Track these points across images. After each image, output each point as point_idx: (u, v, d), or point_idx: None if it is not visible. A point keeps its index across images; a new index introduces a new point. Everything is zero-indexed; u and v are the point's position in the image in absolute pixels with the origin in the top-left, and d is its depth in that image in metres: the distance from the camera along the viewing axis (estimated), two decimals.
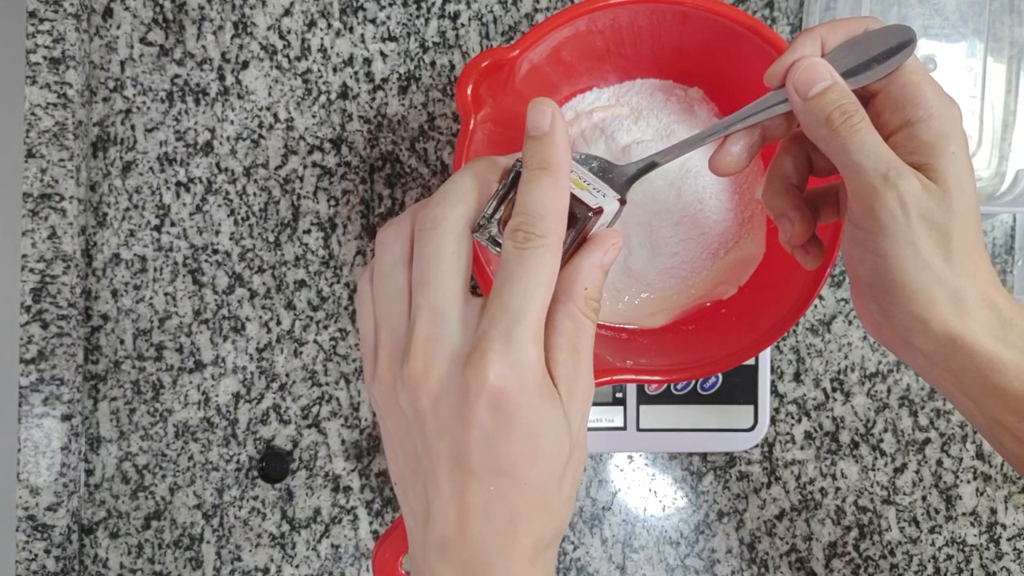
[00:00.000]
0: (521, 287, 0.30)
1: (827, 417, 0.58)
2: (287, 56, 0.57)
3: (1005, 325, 0.34)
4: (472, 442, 0.30)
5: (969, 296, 0.34)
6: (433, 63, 0.58)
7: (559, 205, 0.31)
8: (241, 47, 0.57)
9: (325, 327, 0.57)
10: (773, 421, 0.58)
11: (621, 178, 0.39)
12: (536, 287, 0.30)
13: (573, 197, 0.32)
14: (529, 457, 0.30)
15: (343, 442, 0.57)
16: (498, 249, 0.31)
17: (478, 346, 0.29)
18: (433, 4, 0.57)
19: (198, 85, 0.57)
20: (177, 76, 0.57)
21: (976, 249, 0.34)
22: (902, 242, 0.33)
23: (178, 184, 0.57)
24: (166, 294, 0.57)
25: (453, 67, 0.58)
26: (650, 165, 0.39)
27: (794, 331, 0.58)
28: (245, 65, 0.57)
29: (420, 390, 0.30)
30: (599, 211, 0.32)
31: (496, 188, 0.32)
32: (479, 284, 0.47)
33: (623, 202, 0.36)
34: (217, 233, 0.57)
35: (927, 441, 0.59)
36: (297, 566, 0.57)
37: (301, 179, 0.57)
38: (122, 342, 0.57)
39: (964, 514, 0.59)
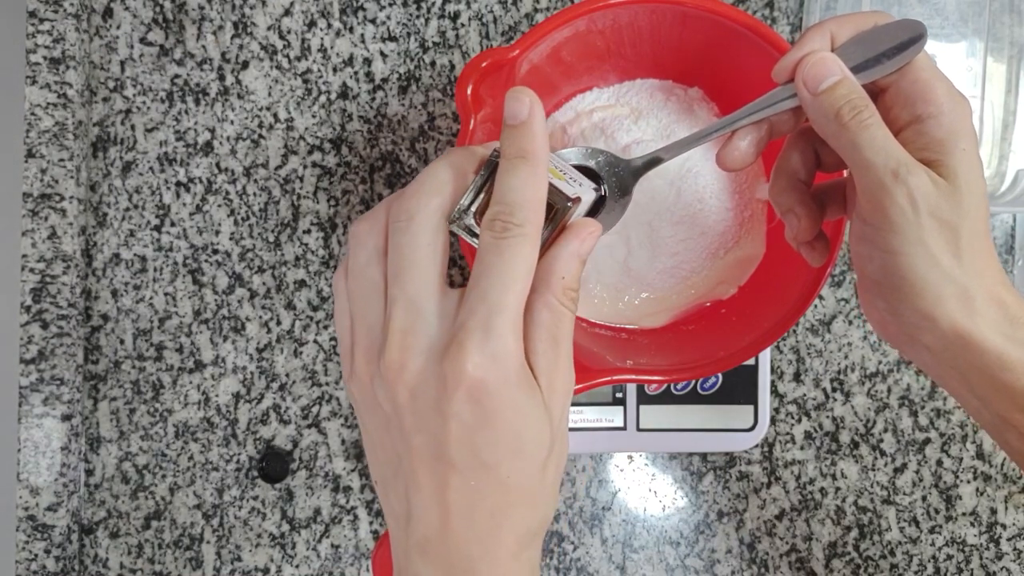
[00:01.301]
0: (499, 277, 0.29)
1: (827, 417, 0.58)
2: (287, 56, 0.57)
3: (1013, 323, 0.34)
4: (451, 435, 0.29)
5: (978, 294, 0.34)
6: (433, 63, 0.58)
7: (537, 194, 0.30)
8: (241, 47, 0.57)
9: (325, 327, 0.57)
10: (773, 421, 0.58)
11: (627, 172, 0.38)
12: (514, 277, 0.29)
13: (551, 187, 0.32)
14: (510, 449, 0.30)
15: (343, 442, 0.57)
16: (475, 240, 0.31)
17: (456, 337, 0.29)
18: (433, 4, 0.57)
19: (198, 85, 0.57)
20: (177, 76, 0.57)
21: (985, 246, 0.34)
22: (911, 239, 0.33)
23: (178, 184, 0.57)
24: (166, 294, 0.57)
25: (453, 67, 0.58)
26: (656, 159, 0.39)
27: (794, 331, 0.58)
28: (245, 65, 0.57)
29: (397, 384, 0.30)
30: (577, 200, 0.32)
31: (473, 178, 0.32)
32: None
33: (598, 187, 0.35)
34: (217, 233, 0.57)
35: (927, 441, 0.59)
36: (297, 566, 0.57)
37: (301, 179, 0.57)
38: (122, 342, 0.57)
39: (964, 514, 0.59)
